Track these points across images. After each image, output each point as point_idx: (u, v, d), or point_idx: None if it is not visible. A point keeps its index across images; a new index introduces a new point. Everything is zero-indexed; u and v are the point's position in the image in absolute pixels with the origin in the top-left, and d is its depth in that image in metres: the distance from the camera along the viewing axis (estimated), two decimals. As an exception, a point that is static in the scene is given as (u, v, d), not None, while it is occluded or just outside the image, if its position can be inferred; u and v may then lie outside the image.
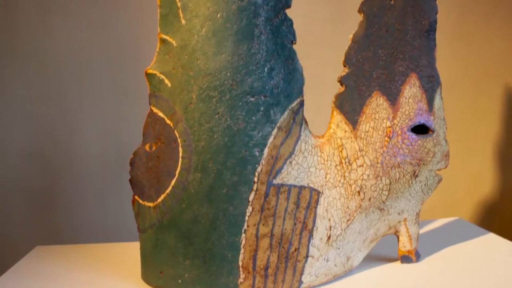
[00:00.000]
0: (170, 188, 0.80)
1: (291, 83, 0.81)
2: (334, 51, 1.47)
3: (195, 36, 0.77)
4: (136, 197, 0.85)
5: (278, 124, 0.79)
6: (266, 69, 0.78)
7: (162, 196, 0.81)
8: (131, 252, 1.06)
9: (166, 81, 0.80)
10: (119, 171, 1.50)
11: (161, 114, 0.81)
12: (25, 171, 1.48)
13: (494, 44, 1.66)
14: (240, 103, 0.77)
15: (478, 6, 1.62)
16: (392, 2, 0.88)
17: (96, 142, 1.50)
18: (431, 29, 0.91)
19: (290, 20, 0.81)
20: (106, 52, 1.46)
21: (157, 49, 0.81)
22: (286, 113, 0.80)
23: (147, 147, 0.83)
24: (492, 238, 1.10)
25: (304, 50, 1.38)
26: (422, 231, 1.17)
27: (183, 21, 0.78)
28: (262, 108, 0.78)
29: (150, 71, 0.81)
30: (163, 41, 0.80)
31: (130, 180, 0.84)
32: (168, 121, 0.80)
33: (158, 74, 0.81)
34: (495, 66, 1.67)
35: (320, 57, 1.50)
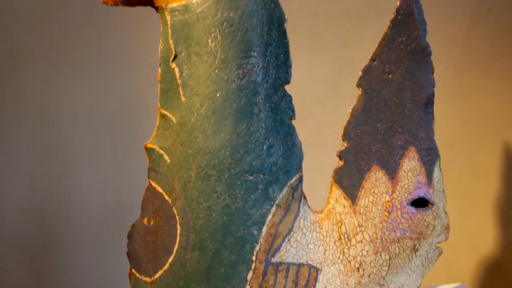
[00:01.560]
0: (167, 265, 0.80)
1: (290, 159, 0.81)
2: (334, 110, 1.49)
3: (195, 114, 0.77)
4: (133, 270, 0.84)
5: (277, 202, 0.79)
6: (265, 147, 0.78)
7: (160, 272, 0.81)
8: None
9: (165, 157, 0.80)
10: (118, 228, 1.49)
11: (159, 189, 0.81)
12: (22, 227, 1.47)
13: (492, 100, 1.67)
14: (238, 182, 0.77)
15: (476, 62, 1.64)
16: (390, 76, 0.89)
17: (95, 198, 1.49)
18: (429, 102, 0.92)
19: (289, 96, 0.82)
20: (108, 108, 1.47)
21: (157, 124, 0.82)
22: (285, 190, 0.80)
23: (145, 221, 0.82)
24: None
25: (304, 109, 1.39)
26: (423, 298, 1.15)
27: (183, 99, 0.79)
28: (260, 186, 0.78)
29: (149, 145, 0.82)
30: (163, 116, 0.81)
31: (128, 253, 0.83)
32: (166, 197, 0.80)
33: (157, 149, 0.81)
34: (494, 123, 1.68)
35: (320, 116, 1.51)
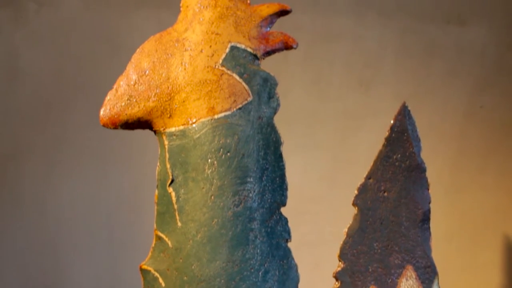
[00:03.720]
0: None
1: (286, 283, 0.80)
2: (331, 208, 1.49)
3: (190, 240, 0.77)
4: None
5: (272, 330, 0.78)
6: (260, 273, 0.78)
7: None
8: None
9: (160, 280, 0.80)
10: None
11: (155, 314, 0.80)
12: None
13: (490, 195, 1.67)
14: (233, 311, 0.76)
15: (472, 157, 1.66)
16: (386, 194, 0.90)
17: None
18: (425, 218, 0.92)
19: (285, 218, 0.82)
20: (105, 204, 1.48)
21: (153, 245, 0.82)
22: (280, 316, 0.79)
23: None
24: None
25: (301, 206, 1.39)
26: None
27: (179, 224, 0.79)
28: (256, 314, 0.77)
29: (144, 266, 0.81)
30: (159, 238, 0.81)
31: None
32: (161, 323, 0.79)
33: (152, 271, 0.81)
34: (492, 217, 1.68)
35: (317, 214, 1.51)
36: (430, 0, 1.50)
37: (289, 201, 0.84)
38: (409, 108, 0.94)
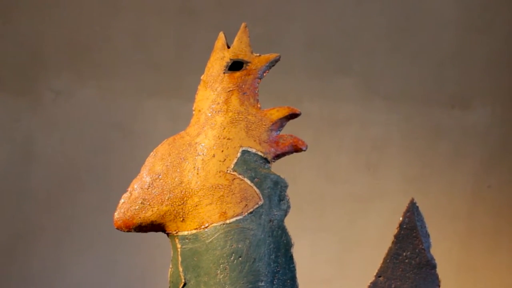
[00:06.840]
0: None
1: None
2: (340, 291, 1.48)
3: None
4: None
5: None
6: None
7: None
8: None
9: None
10: None
11: None
12: None
13: (501, 275, 1.66)
14: None
15: (482, 237, 1.66)
16: (393, 286, 0.90)
17: None
18: (437, 313, 0.92)
19: None
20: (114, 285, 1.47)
21: None
22: None
23: None
24: None
25: (310, 288, 1.37)
26: None
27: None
28: None
29: None
30: None
31: None
32: None
33: None
34: (504, 299, 1.66)
35: (327, 297, 1.50)
36: (434, 85, 1.55)
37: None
38: (417, 204, 0.96)
